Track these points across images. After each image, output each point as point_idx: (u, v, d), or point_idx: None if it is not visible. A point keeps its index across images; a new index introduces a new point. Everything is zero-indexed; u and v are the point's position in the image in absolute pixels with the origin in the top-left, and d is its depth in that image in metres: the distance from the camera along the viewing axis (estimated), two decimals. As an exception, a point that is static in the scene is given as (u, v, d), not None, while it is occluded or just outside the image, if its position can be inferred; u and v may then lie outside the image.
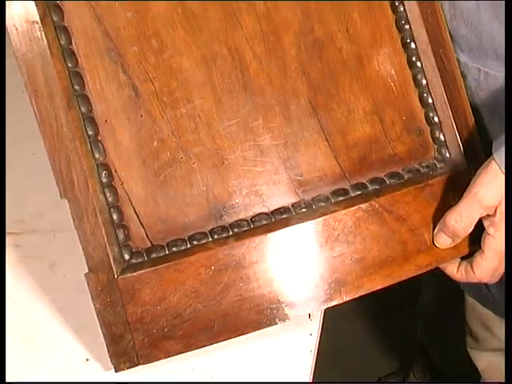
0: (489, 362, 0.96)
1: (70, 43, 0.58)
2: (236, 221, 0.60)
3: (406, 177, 0.62)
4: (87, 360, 0.63)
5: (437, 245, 0.61)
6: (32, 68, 0.56)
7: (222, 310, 0.58)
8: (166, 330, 0.58)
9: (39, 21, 0.56)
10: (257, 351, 0.62)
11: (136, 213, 0.59)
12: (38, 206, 0.74)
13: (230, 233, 0.59)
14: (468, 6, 0.62)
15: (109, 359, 0.58)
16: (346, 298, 0.60)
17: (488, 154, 0.57)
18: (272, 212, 0.60)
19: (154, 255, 0.58)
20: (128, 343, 0.58)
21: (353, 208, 0.60)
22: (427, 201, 0.61)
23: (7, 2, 0.55)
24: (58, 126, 0.57)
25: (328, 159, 0.61)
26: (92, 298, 0.57)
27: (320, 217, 0.60)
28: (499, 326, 0.88)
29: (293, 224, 0.59)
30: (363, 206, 0.60)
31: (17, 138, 0.76)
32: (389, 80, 0.63)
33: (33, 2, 0.56)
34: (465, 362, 1.00)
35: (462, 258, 0.62)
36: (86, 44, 0.58)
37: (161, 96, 0.59)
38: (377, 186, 0.62)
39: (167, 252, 0.59)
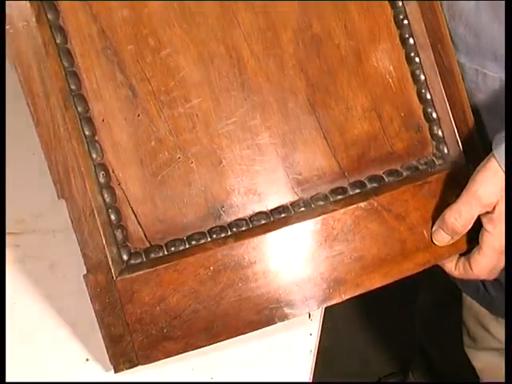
0: (486, 362, 0.96)
1: (66, 42, 0.57)
2: (234, 220, 0.60)
3: (404, 174, 0.62)
4: (87, 360, 0.63)
5: (435, 242, 0.60)
6: (28, 68, 0.56)
7: (221, 311, 0.58)
8: (165, 330, 0.58)
9: (34, 20, 0.56)
10: (257, 351, 0.62)
11: (134, 213, 0.59)
12: (37, 206, 0.74)
13: (229, 232, 0.59)
14: (468, 6, 0.61)
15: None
16: (345, 297, 0.60)
17: (487, 153, 0.57)
18: (271, 211, 0.60)
19: (152, 256, 0.58)
20: (127, 344, 0.58)
21: (352, 207, 0.60)
22: (426, 198, 0.61)
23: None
24: (55, 127, 0.56)
25: (326, 157, 0.61)
26: (91, 299, 0.57)
27: (319, 216, 0.59)
28: (496, 326, 0.88)
29: (291, 223, 0.59)
30: (362, 204, 0.60)
31: (17, 137, 0.76)
32: (387, 76, 0.62)
33: (27, 2, 0.55)
34: (464, 362, 0.99)
35: (461, 255, 0.62)
36: (82, 43, 0.58)
37: (158, 95, 0.59)
38: (375, 184, 0.61)
39: (166, 252, 0.59)
